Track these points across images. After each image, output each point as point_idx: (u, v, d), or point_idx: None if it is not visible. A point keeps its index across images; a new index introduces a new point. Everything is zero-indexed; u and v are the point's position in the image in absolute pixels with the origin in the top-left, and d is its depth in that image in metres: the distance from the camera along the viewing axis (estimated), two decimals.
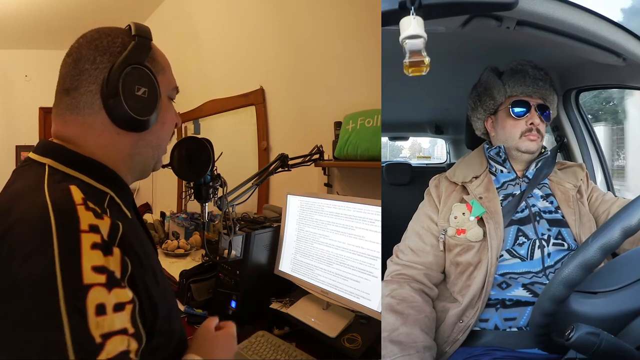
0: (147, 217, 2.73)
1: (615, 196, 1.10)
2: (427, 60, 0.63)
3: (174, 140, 0.99)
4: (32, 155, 0.60)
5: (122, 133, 0.61)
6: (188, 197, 1.17)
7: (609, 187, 1.45)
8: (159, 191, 3.27)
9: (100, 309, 0.44)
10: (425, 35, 0.62)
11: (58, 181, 0.53)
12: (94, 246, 0.46)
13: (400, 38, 0.63)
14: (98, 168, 0.60)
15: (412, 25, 0.62)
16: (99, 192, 0.58)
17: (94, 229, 0.48)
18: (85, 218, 0.48)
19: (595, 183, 1.29)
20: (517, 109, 1.06)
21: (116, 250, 0.49)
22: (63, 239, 0.45)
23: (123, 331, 0.45)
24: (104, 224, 0.49)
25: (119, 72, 0.58)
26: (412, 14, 0.62)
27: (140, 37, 0.62)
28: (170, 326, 0.60)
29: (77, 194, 0.50)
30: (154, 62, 0.64)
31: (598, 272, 0.73)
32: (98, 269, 0.45)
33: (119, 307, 0.46)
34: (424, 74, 0.64)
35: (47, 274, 0.43)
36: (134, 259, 0.52)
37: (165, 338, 0.58)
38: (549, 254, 0.96)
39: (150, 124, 0.62)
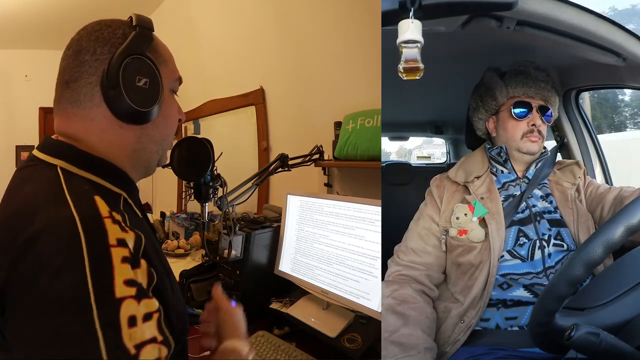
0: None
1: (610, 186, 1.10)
2: (421, 66, 0.64)
3: (174, 140, 0.99)
4: (39, 154, 0.58)
5: (125, 127, 0.59)
6: (188, 197, 1.17)
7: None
8: (159, 191, 3.26)
9: (132, 321, 0.44)
10: (422, 40, 0.63)
11: (77, 187, 0.52)
12: (124, 260, 0.46)
13: (398, 41, 0.63)
14: (110, 169, 0.59)
15: (409, 30, 0.62)
16: (114, 194, 0.57)
17: (121, 242, 0.47)
18: (113, 232, 0.48)
19: None
20: (518, 110, 1.05)
21: (143, 263, 0.49)
22: (94, 255, 0.45)
23: (153, 340, 0.46)
24: (130, 237, 0.49)
25: (119, 63, 0.56)
26: (411, 17, 0.62)
27: (142, 28, 0.60)
28: (182, 324, 0.60)
29: (102, 207, 0.50)
30: (156, 53, 0.62)
31: (585, 288, 0.73)
32: (129, 282, 0.46)
33: (147, 317, 0.46)
34: (417, 78, 0.65)
35: (79, 291, 0.43)
36: (158, 269, 0.52)
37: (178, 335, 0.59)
38: (549, 255, 0.96)
39: (153, 116, 0.61)
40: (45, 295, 0.43)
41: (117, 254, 0.46)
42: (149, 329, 0.46)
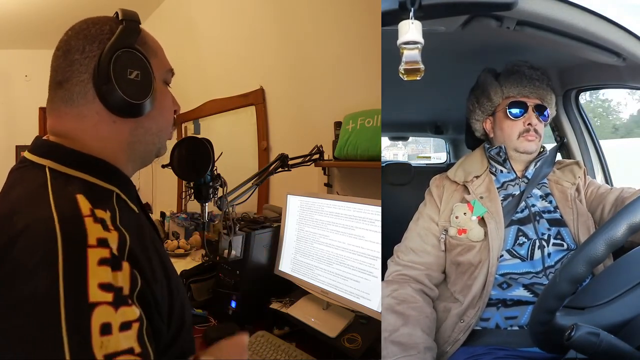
0: None
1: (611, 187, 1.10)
2: (422, 67, 0.64)
3: (174, 140, 0.99)
4: (29, 155, 0.58)
5: (119, 121, 0.59)
6: (188, 197, 1.18)
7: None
8: (159, 191, 3.26)
9: (106, 329, 0.42)
10: (422, 41, 0.63)
11: (62, 186, 0.51)
12: (102, 262, 0.45)
13: (398, 42, 0.63)
14: (100, 165, 0.58)
15: (410, 31, 0.62)
16: (104, 190, 0.57)
17: (102, 242, 0.46)
18: (93, 231, 0.46)
19: None
20: (514, 110, 1.05)
21: (125, 265, 0.47)
22: (68, 256, 0.43)
23: (129, 351, 0.44)
24: (113, 237, 0.48)
25: (109, 57, 0.56)
26: (411, 18, 0.62)
27: (128, 21, 0.61)
28: (182, 318, 0.60)
29: (84, 205, 0.48)
30: (144, 45, 0.62)
31: (585, 288, 0.74)
32: (105, 287, 0.44)
33: (125, 326, 0.44)
34: (418, 79, 0.65)
35: (50, 293, 0.41)
36: (145, 270, 0.50)
37: (178, 329, 0.59)
38: (549, 254, 0.96)
39: (146, 109, 0.60)
40: (17, 296, 0.42)
41: (95, 255, 0.45)
42: (126, 339, 0.44)
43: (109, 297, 0.44)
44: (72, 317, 0.41)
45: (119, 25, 0.60)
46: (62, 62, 0.58)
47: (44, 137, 0.60)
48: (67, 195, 0.50)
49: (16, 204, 0.50)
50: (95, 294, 0.43)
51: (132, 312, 0.46)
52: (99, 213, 0.49)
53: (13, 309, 0.42)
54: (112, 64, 0.56)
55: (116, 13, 0.62)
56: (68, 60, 0.58)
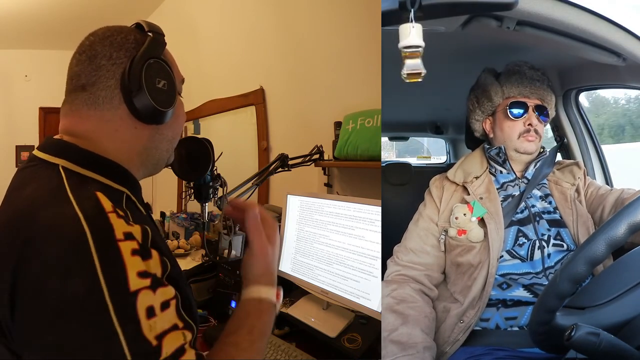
0: None
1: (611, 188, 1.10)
2: (423, 72, 0.65)
3: None
4: (40, 154, 0.58)
5: (140, 127, 0.61)
6: (188, 197, 1.17)
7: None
8: (159, 191, 3.26)
9: (150, 312, 0.45)
10: (423, 44, 0.63)
11: (79, 185, 0.52)
12: (134, 252, 0.47)
13: (399, 45, 0.64)
14: (112, 167, 0.59)
15: (411, 35, 0.62)
16: (116, 191, 0.58)
17: (128, 236, 0.48)
18: (119, 226, 0.48)
19: None
20: (514, 110, 1.05)
21: (154, 252, 0.49)
22: (103, 251, 0.45)
23: (174, 327, 0.47)
24: (136, 230, 0.49)
25: (140, 65, 0.58)
26: (411, 21, 0.62)
27: (156, 33, 0.63)
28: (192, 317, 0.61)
29: (106, 202, 0.50)
30: (165, 57, 0.65)
31: (585, 288, 0.74)
32: (142, 274, 0.46)
33: (165, 305, 0.47)
34: (419, 80, 0.66)
35: (93, 290, 0.43)
36: (170, 258, 0.53)
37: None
38: (549, 255, 0.96)
39: (169, 116, 0.63)
40: (57, 297, 0.43)
41: (126, 247, 0.46)
42: (168, 317, 0.47)
43: (147, 282, 0.46)
44: (121, 308, 0.43)
45: (144, 36, 0.62)
46: (87, 67, 0.59)
47: (56, 137, 0.60)
48: (87, 194, 0.51)
49: (32, 202, 0.51)
50: (135, 282, 0.45)
51: (168, 291, 0.48)
52: (120, 210, 0.50)
53: (56, 312, 0.43)
54: (144, 72, 0.58)
55: (137, 24, 0.64)
56: (94, 65, 0.59)
